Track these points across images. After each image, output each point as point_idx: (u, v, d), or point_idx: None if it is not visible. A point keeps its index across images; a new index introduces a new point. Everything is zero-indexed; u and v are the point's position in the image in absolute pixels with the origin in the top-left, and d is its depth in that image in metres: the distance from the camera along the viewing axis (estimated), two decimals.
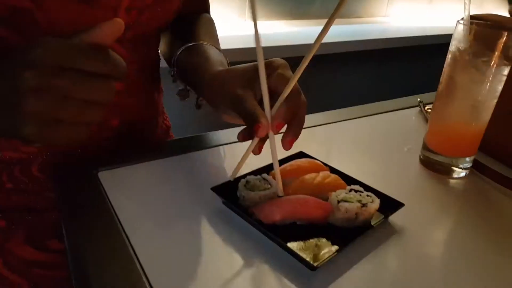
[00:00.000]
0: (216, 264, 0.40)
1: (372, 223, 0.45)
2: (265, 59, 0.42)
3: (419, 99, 0.83)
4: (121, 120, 0.63)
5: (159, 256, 0.41)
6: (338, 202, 0.44)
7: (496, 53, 0.50)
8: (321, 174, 0.48)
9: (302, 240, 0.42)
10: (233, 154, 0.62)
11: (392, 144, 0.68)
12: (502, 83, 0.52)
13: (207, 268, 0.39)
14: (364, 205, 0.44)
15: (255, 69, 0.44)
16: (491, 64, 0.50)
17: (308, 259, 0.39)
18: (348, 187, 0.47)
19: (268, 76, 0.43)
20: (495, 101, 0.53)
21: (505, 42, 0.49)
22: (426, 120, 0.76)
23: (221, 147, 0.64)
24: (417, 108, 0.83)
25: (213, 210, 0.47)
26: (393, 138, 0.71)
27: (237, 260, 0.41)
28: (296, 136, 0.45)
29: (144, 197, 0.50)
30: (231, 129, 0.70)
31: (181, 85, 0.64)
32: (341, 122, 0.75)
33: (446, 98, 0.55)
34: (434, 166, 0.59)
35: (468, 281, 0.40)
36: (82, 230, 0.44)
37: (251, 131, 0.42)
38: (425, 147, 0.60)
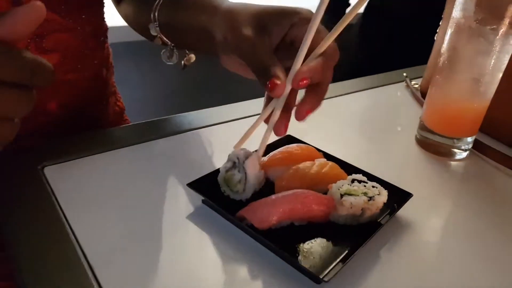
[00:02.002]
0: (191, 276, 0.34)
1: (378, 219, 0.40)
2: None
3: (404, 74, 0.80)
4: (59, 103, 0.54)
5: (118, 271, 0.34)
6: (342, 196, 0.39)
7: (506, 19, 0.46)
8: (317, 162, 0.43)
9: (300, 244, 0.37)
10: (207, 141, 0.55)
11: (383, 123, 0.64)
12: (509, 54, 0.48)
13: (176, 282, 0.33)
14: (370, 198, 0.39)
15: (276, 12, 0.39)
16: (500, 32, 0.46)
17: (312, 269, 0.34)
18: (350, 177, 0.42)
19: (293, 25, 0.39)
20: (501, 74, 0.49)
21: None
22: (414, 96, 0.73)
23: (190, 132, 0.56)
24: (403, 84, 0.80)
25: (188, 210, 0.41)
26: (383, 116, 0.67)
27: (226, 271, 0.35)
28: (315, 107, 0.39)
29: (99, 197, 0.43)
30: (202, 110, 0.63)
31: (165, 44, 0.55)
32: (325, 100, 0.70)
33: (448, 72, 0.51)
34: (433, 147, 0.55)
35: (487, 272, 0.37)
36: (24, 233, 0.37)
37: (265, 87, 0.36)
38: (422, 127, 0.57)
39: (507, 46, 0.48)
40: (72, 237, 0.37)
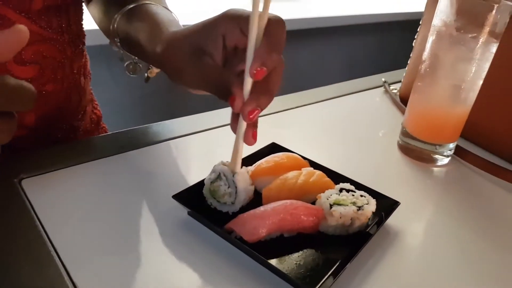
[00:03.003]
0: None
1: (367, 228, 0.40)
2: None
3: (383, 79, 0.81)
4: (37, 116, 0.52)
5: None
6: (331, 206, 0.39)
7: (486, 28, 0.47)
8: (304, 172, 0.43)
9: (288, 255, 0.36)
10: (189, 150, 0.54)
11: (364, 129, 0.65)
12: (489, 62, 0.49)
13: None
14: (359, 208, 0.39)
15: (201, 29, 0.38)
16: (480, 40, 0.47)
17: (303, 282, 0.33)
18: (338, 186, 0.42)
19: (225, 34, 0.37)
20: (481, 81, 0.51)
21: (494, 17, 0.46)
22: (393, 101, 0.74)
23: (171, 141, 0.55)
24: (381, 89, 0.81)
25: (173, 223, 0.40)
26: (363, 122, 0.67)
27: (214, 285, 0.34)
28: (263, 105, 0.35)
29: (79, 210, 0.41)
30: (182, 118, 0.61)
31: (125, 57, 0.53)
32: (303, 107, 0.70)
33: (430, 79, 0.52)
34: (415, 153, 0.56)
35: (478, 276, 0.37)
36: (1, 249, 0.35)
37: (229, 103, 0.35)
38: (404, 133, 0.57)
39: (487, 53, 0.49)
40: (53, 253, 0.35)
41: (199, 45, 0.37)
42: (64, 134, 0.59)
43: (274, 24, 0.34)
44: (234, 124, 0.37)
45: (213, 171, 0.41)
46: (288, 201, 0.38)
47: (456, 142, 0.55)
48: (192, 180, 0.43)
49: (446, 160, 0.56)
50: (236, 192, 0.40)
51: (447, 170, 0.55)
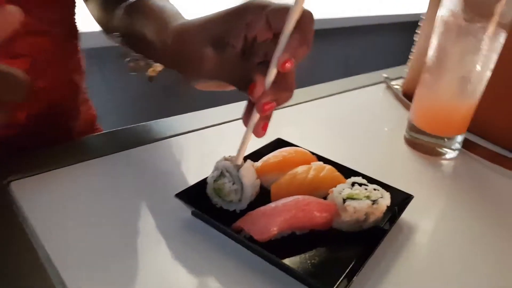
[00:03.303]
0: None
1: (381, 223, 0.38)
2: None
3: (385, 75, 0.80)
4: (28, 114, 0.49)
5: None
6: (344, 201, 0.37)
7: (494, 17, 0.46)
8: (314, 166, 0.41)
9: (301, 254, 0.34)
10: (188, 148, 0.52)
11: (369, 125, 0.63)
12: (498, 53, 0.48)
13: None
14: (374, 202, 0.37)
15: (224, 17, 0.36)
16: (489, 30, 0.46)
17: (320, 283, 0.31)
18: (349, 180, 0.40)
19: (249, 23, 0.35)
20: (489, 73, 0.49)
21: (502, 6, 0.45)
22: (396, 96, 0.73)
23: (169, 139, 0.53)
24: (383, 85, 0.79)
25: (176, 224, 0.38)
26: (367, 118, 0.66)
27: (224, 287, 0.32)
28: (281, 100, 0.34)
29: (74, 213, 0.39)
30: (180, 115, 0.59)
31: (128, 53, 0.51)
32: (305, 103, 0.69)
33: (437, 71, 0.51)
34: (423, 147, 0.55)
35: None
36: None
37: (248, 94, 0.33)
38: (411, 127, 0.56)
39: (496, 44, 0.48)
40: (46, 258, 0.33)
41: (220, 34, 0.35)
42: (58, 135, 0.56)
43: (307, 18, 0.32)
44: (246, 117, 0.35)
45: (215, 168, 0.39)
46: (299, 196, 0.37)
47: (464, 135, 0.54)
48: (194, 179, 0.41)
49: (454, 154, 0.54)
50: (242, 188, 0.38)
51: (455, 163, 0.54)
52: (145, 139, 0.52)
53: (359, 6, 1.77)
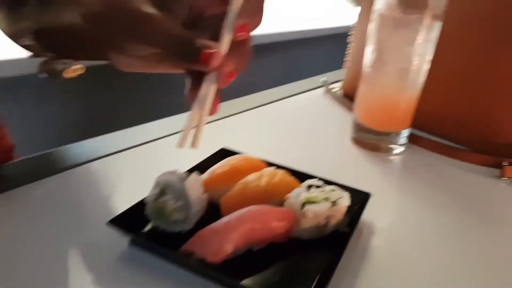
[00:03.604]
0: None
1: (343, 226, 0.36)
2: None
3: (322, 79, 0.79)
4: None
5: None
6: (302, 206, 0.34)
7: (428, 7, 0.46)
8: (266, 172, 0.37)
9: (263, 272, 0.30)
10: (114, 171, 0.46)
11: (314, 128, 0.61)
12: (434, 43, 0.49)
13: None
14: (333, 203, 0.34)
15: None
16: (424, 21, 0.46)
17: None
18: (304, 184, 0.37)
19: None
20: (427, 64, 0.50)
21: None
22: (336, 98, 0.73)
23: (92, 162, 0.46)
24: (322, 89, 0.79)
25: (111, 257, 0.32)
26: (312, 121, 0.64)
27: None
28: (240, 68, 0.31)
29: None
30: (102, 136, 0.53)
31: (41, 53, 0.43)
32: (247, 111, 0.66)
33: (377, 65, 0.50)
34: (370, 145, 0.54)
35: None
36: None
37: (197, 65, 0.29)
38: (357, 126, 0.55)
39: (431, 34, 0.48)
40: None
41: (162, 3, 0.30)
42: None
43: None
44: (193, 92, 0.30)
45: (155, 185, 0.34)
46: (253, 206, 0.33)
47: (409, 130, 0.54)
48: (129, 202, 0.35)
49: (401, 149, 0.54)
50: (188, 204, 0.33)
51: (404, 158, 0.53)
52: (68, 163, 0.45)
53: (296, 21, 1.82)
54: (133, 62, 0.34)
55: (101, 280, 0.30)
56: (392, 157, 0.53)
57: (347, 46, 0.72)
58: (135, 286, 0.30)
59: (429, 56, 0.49)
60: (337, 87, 0.77)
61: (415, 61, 0.48)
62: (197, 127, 0.29)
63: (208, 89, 0.29)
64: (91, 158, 0.47)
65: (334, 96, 0.74)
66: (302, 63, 1.89)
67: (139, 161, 0.48)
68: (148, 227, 0.35)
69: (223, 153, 0.44)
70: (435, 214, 0.41)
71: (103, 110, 1.16)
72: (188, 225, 0.33)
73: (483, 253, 0.36)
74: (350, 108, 0.68)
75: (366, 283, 0.31)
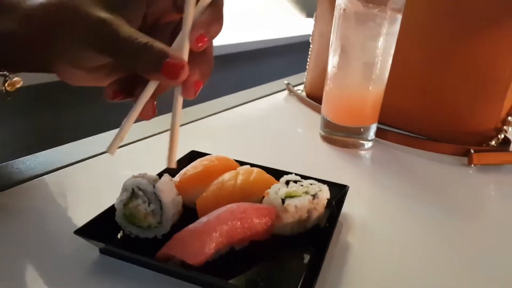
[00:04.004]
0: None
1: (324, 220, 0.35)
2: None
3: (286, 81, 0.80)
4: None
5: None
6: (283, 201, 0.33)
7: (389, 1, 0.47)
8: (241, 171, 0.36)
9: (247, 272, 0.29)
10: (80, 180, 0.43)
11: (282, 128, 0.61)
12: (396, 36, 0.50)
13: None
14: (314, 196, 0.34)
15: None
16: (386, 15, 0.47)
17: None
18: (282, 179, 0.36)
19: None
20: (391, 57, 0.51)
21: None
22: (300, 99, 0.73)
23: (49, 174, 0.43)
24: (285, 92, 0.79)
25: (82, 269, 0.29)
26: (279, 122, 0.64)
27: None
28: (205, 77, 0.29)
29: None
30: (53, 149, 0.49)
31: None
32: (213, 115, 0.64)
33: (343, 62, 0.51)
34: (339, 142, 0.54)
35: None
36: None
37: (161, 78, 0.27)
38: (325, 123, 0.55)
39: (393, 27, 0.49)
40: None
41: (114, 7, 0.28)
42: None
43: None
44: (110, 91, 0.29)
45: (124, 189, 0.32)
46: (232, 204, 0.31)
47: (377, 125, 0.55)
48: (96, 211, 0.33)
49: (370, 143, 0.55)
50: (161, 208, 0.31)
51: (374, 152, 0.54)
52: (20, 177, 0.42)
53: (258, 32, 1.85)
54: (82, 75, 0.32)
55: None
56: (362, 152, 0.54)
57: (307, 53, 0.73)
58: None
59: (392, 50, 0.50)
60: (300, 89, 0.78)
61: (379, 55, 0.49)
62: (171, 144, 0.28)
63: (147, 88, 0.27)
64: (47, 170, 0.43)
65: (298, 97, 0.74)
66: (261, 73, 1.91)
67: (100, 171, 0.45)
68: (119, 235, 0.32)
69: (193, 156, 0.42)
70: (409, 204, 0.42)
71: (49, 125, 1.10)
72: (163, 230, 0.31)
73: (456, 237, 0.37)
74: (314, 108, 0.68)
75: (353, 275, 0.31)
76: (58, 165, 0.44)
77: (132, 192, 0.32)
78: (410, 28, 0.52)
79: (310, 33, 0.71)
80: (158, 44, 0.26)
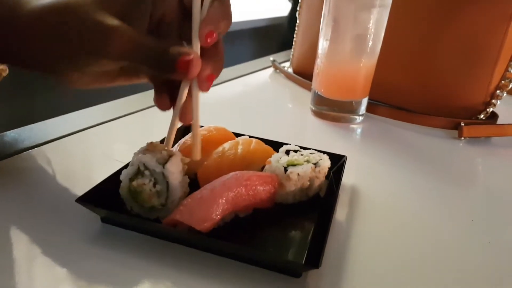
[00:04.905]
0: None
1: (324, 189, 0.36)
2: None
3: (271, 58, 0.79)
4: None
5: None
6: (285, 169, 0.33)
7: None
8: (241, 141, 0.36)
9: (257, 237, 0.30)
10: (70, 153, 0.42)
11: (272, 103, 0.62)
12: (388, 8, 0.50)
13: None
14: (315, 164, 0.34)
15: None
16: None
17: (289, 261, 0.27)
18: (282, 149, 0.36)
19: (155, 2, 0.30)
20: (383, 30, 0.51)
21: None
22: (287, 75, 0.73)
23: (45, 145, 0.42)
24: (270, 69, 0.79)
25: (82, 237, 0.29)
26: (268, 98, 0.64)
27: None
28: (218, 71, 0.31)
29: None
30: (50, 120, 0.48)
31: None
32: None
33: (335, 35, 0.51)
34: (330, 116, 0.55)
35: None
36: None
37: (175, 74, 0.28)
38: (316, 98, 0.55)
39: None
40: None
41: (121, 10, 0.28)
42: None
43: None
44: (161, 100, 0.32)
45: (132, 163, 0.31)
46: (237, 172, 0.31)
47: (367, 99, 0.56)
48: (96, 179, 0.32)
49: (361, 118, 0.56)
50: (167, 190, 0.30)
51: (365, 126, 0.55)
52: (18, 147, 0.40)
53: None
54: (88, 79, 0.32)
55: (75, 259, 0.27)
56: (353, 126, 0.55)
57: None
58: (117, 262, 0.27)
59: (385, 23, 0.51)
60: (286, 65, 0.78)
61: (371, 27, 0.50)
62: (193, 138, 0.32)
63: (181, 93, 0.31)
64: (41, 141, 0.42)
65: (285, 73, 0.75)
66: (236, 55, 1.90)
67: (101, 140, 0.44)
68: (121, 207, 0.32)
69: (187, 129, 0.42)
70: (403, 173, 0.43)
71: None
72: (166, 212, 0.30)
73: (450, 203, 0.38)
74: (302, 85, 0.69)
75: (356, 239, 0.32)
76: (53, 137, 0.44)
77: (140, 168, 0.31)
78: (401, 2, 0.53)
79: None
80: (171, 44, 0.28)
